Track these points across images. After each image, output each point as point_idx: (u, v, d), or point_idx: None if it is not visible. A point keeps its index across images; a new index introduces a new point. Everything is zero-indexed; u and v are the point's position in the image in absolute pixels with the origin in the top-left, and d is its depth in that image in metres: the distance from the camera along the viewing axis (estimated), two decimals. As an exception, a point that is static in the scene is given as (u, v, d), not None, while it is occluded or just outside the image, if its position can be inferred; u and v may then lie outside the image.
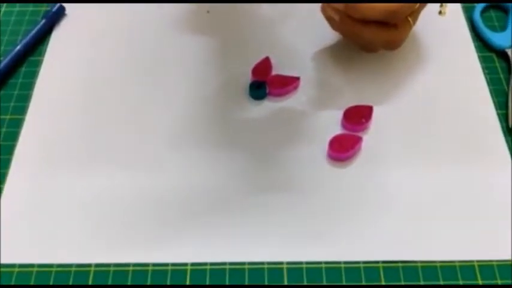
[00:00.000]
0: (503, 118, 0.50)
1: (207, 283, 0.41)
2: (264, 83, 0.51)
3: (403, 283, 0.41)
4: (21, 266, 0.42)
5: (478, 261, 0.42)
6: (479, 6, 0.59)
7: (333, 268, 0.42)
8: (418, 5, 0.48)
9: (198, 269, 0.42)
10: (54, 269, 0.42)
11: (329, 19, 0.50)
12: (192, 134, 0.49)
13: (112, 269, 0.42)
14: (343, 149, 0.47)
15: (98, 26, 0.58)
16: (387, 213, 0.45)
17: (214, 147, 0.49)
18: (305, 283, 0.41)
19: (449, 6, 0.59)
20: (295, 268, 0.42)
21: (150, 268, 0.42)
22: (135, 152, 0.48)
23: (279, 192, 0.46)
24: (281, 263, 0.42)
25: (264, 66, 0.53)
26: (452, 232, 0.44)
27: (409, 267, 0.42)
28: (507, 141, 0.49)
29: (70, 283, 0.41)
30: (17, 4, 0.60)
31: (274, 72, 0.53)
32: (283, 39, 0.56)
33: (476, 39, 0.57)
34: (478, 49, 0.56)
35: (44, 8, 0.59)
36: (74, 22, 0.58)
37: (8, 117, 0.51)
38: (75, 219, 0.44)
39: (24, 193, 0.46)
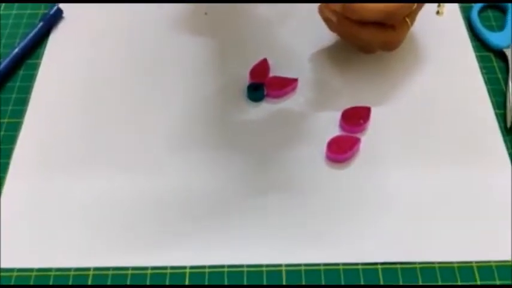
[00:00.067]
0: (501, 118, 0.51)
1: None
2: (262, 85, 0.51)
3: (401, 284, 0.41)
4: (19, 270, 0.42)
5: (476, 262, 0.42)
6: (477, 6, 0.59)
7: (332, 270, 0.42)
8: (415, 5, 0.48)
9: (197, 272, 0.42)
10: (53, 273, 0.42)
11: (326, 20, 0.50)
12: (190, 136, 0.49)
13: (111, 272, 0.42)
14: (341, 150, 0.47)
15: (96, 28, 0.58)
16: (386, 215, 0.45)
17: (213, 149, 0.49)
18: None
19: (447, 6, 0.59)
20: (293, 270, 0.42)
21: (149, 271, 0.42)
22: (133, 154, 0.48)
23: (277, 194, 0.46)
24: (280, 265, 0.42)
25: (261, 68, 0.53)
26: (451, 233, 0.44)
27: (407, 269, 0.42)
28: (505, 141, 0.49)
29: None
30: (15, 7, 0.60)
31: (272, 74, 0.53)
32: (281, 41, 0.56)
33: (474, 39, 0.57)
34: (476, 49, 0.56)
35: (41, 10, 0.59)
36: (71, 24, 0.58)
37: (6, 120, 0.51)
38: (73, 223, 0.44)
39: (23, 197, 0.46)
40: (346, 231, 0.44)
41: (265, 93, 0.51)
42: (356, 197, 0.46)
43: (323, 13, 0.50)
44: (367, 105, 0.50)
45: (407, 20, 0.49)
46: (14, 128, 0.50)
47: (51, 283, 0.41)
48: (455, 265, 0.42)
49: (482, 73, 0.54)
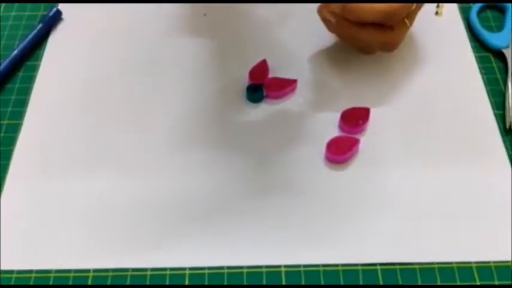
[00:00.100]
0: (500, 118, 0.51)
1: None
2: (261, 86, 0.51)
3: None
4: (19, 272, 0.42)
5: (475, 262, 0.42)
6: (476, 7, 0.59)
7: (331, 271, 0.42)
8: (414, 6, 0.48)
9: (196, 273, 0.42)
10: (52, 275, 0.42)
11: (325, 21, 0.50)
12: (190, 137, 0.49)
13: (110, 274, 0.42)
14: (340, 151, 0.47)
15: (95, 30, 0.58)
16: (385, 215, 0.45)
17: (212, 150, 0.49)
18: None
19: (446, 7, 0.59)
20: (293, 271, 0.42)
21: (148, 273, 0.42)
22: (133, 156, 0.48)
23: (277, 195, 0.46)
24: (279, 266, 0.42)
25: (260, 69, 0.53)
26: (450, 233, 0.44)
27: (407, 269, 0.42)
28: (504, 142, 0.49)
29: None
30: (14, 8, 0.60)
31: (271, 75, 0.53)
32: (280, 42, 0.56)
33: (473, 40, 0.57)
34: (475, 49, 0.56)
35: (40, 12, 0.59)
36: (70, 26, 0.58)
37: (5, 122, 0.51)
38: (73, 224, 0.44)
39: (23, 198, 0.46)
40: (346, 232, 0.44)
41: (264, 94, 0.52)
42: (355, 197, 0.46)
43: (322, 14, 0.50)
44: (366, 106, 0.50)
45: (406, 20, 0.49)
46: (14, 130, 0.50)
47: (50, 284, 0.41)
48: (455, 265, 0.42)
49: (482, 74, 0.54)
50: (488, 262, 0.42)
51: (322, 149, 0.48)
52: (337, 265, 0.42)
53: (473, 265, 0.42)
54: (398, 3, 0.46)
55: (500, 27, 0.57)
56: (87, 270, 0.42)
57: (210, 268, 0.42)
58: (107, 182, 0.47)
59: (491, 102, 0.52)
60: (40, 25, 0.57)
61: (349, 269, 0.42)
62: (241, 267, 0.42)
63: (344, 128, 0.49)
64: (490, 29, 0.57)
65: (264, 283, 0.41)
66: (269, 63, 0.53)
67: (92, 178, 0.47)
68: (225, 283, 0.41)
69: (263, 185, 0.46)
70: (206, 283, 0.41)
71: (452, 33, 0.57)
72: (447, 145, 0.49)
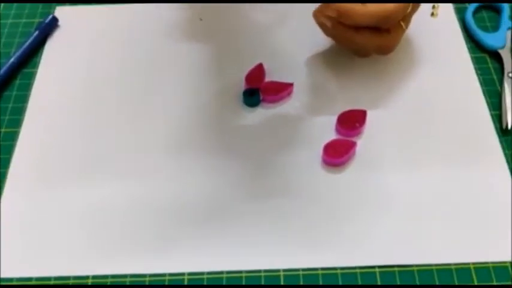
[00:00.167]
0: (496, 119, 0.51)
1: (205, 292, 0.42)
2: (258, 90, 0.51)
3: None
4: (19, 279, 0.42)
5: (473, 263, 0.42)
6: (471, 7, 0.59)
7: (330, 274, 0.42)
8: (410, 8, 0.48)
9: (195, 278, 0.42)
10: (52, 282, 0.42)
11: (321, 25, 0.50)
12: (187, 142, 0.49)
13: (109, 280, 0.42)
14: (337, 154, 0.47)
15: (91, 37, 0.58)
16: (382, 217, 0.45)
17: (209, 155, 0.49)
18: None
19: (441, 8, 0.59)
20: (292, 275, 0.42)
21: (147, 279, 0.42)
22: (130, 162, 0.48)
23: (274, 199, 0.46)
24: (278, 270, 0.42)
25: (257, 73, 0.53)
26: (447, 235, 0.44)
27: (405, 271, 0.42)
28: (501, 142, 0.49)
29: (68, 295, 0.42)
30: (10, 16, 0.60)
31: (267, 79, 0.53)
32: (276, 46, 0.56)
33: (469, 40, 0.57)
34: (471, 50, 0.56)
35: (36, 19, 0.59)
36: (66, 33, 0.58)
37: (3, 130, 0.51)
38: (72, 231, 0.45)
39: (21, 206, 0.46)
40: (343, 235, 0.44)
41: (261, 98, 0.52)
42: (353, 200, 0.46)
43: (317, 18, 0.50)
44: (363, 108, 0.50)
45: (402, 23, 0.49)
46: (11, 138, 0.50)
47: (50, 292, 0.42)
48: (453, 266, 0.42)
49: (478, 74, 0.54)
50: (486, 263, 0.42)
51: (319, 152, 0.48)
52: (335, 268, 0.42)
53: (471, 266, 0.42)
54: (393, 7, 0.46)
55: (495, 28, 0.57)
56: (86, 277, 0.42)
57: (209, 273, 0.42)
58: (104, 189, 0.47)
59: (487, 102, 0.52)
60: (36, 32, 0.57)
61: (348, 272, 0.42)
62: (240, 272, 0.42)
63: (341, 131, 0.49)
64: (485, 29, 0.57)
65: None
66: (265, 67, 0.54)
67: (89, 185, 0.47)
68: (224, 288, 0.42)
69: (261, 189, 0.46)
70: (205, 288, 0.42)
71: (448, 34, 0.57)
72: (444, 146, 0.49)
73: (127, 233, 0.44)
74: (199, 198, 0.46)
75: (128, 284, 0.42)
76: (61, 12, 0.60)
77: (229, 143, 0.49)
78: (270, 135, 0.50)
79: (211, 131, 0.50)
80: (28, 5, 0.61)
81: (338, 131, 0.50)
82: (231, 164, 0.48)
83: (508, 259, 0.43)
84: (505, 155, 0.48)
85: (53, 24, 0.58)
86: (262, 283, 0.42)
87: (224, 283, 0.42)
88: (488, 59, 0.55)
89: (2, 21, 0.60)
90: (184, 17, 0.60)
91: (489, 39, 0.56)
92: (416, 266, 0.42)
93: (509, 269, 0.42)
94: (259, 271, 0.42)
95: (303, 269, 0.42)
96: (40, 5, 0.61)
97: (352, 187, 0.46)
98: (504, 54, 0.55)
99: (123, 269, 0.43)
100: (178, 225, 0.45)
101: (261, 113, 0.51)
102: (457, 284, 0.41)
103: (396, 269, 0.42)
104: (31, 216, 0.45)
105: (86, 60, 0.56)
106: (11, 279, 0.42)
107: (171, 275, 0.42)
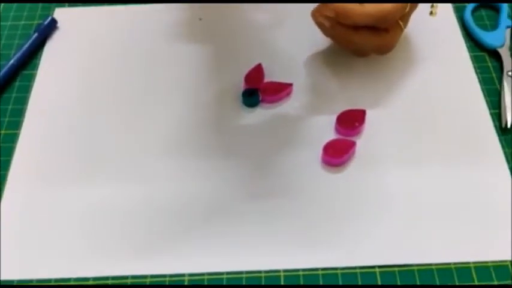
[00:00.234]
0: (496, 117, 0.51)
1: (205, 293, 0.42)
2: (257, 91, 0.52)
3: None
4: (19, 281, 0.42)
5: (474, 262, 0.42)
6: (470, 6, 0.59)
7: (330, 274, 0.42)
8: (408, 8, 0.48)
9: (196, 279, 0.42)
10: (52, 284, 0.42)
11: (320, 25, 0.50)
12: (187, 143, 0.50)
13: (110, 281, 0.42)
14: (337, 154, 0.47)
15: (90, 39, 0.58)
16: (382, 217, 0.45)
17: (209, 155, 0.49)
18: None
19: (440, 7, 0.59)
20: (292, 276, 0.42)
21: (148, 280, 0.42)
22: (130, 163, 0.48)
23: (274, 199, 0.46)
24: (278, 271, 0.42)
25: (256, 74, 0.53)
26: (447, 234, 0.44)
27: (405, 271, 0.42)
28: (500, 141, 0.49)
29: (69, 297, 0.42)
30: (9, 18, 0.60)
31: (266, 79, 0.53)
32: (275, 46, 0.56)
33: (468, 39, 0.57)
34: (470, 49, 0.56)
35: (36, 21, 0.59)
36: (66, 35, 0.58)
37: (2, 132, 0.51)
38: (72, 232, 0.45)
39: (21, 208, 0.46)
40: (343, 235, 0.44)
41: (260, 98, 0.52)
42: (353, 200, 0.46)
43: (316, 18, 0.50)
44: (362, 108, 0.50)
45: (401, 23, 0.49)
46: (11, 140, 0.50)
47: (51, 294, 0.42)
48: (453, 266, 0.42)
49: (477, 73, 0.54)
50: (487, 262, 0.42)
51: (319, 152, 0.48)
52: (336, 268, 0.42)
53: (472, 265, 0.42)
54: (391, 7, 0.46)
55: (494, 26, 0.57)
56: (87, 279, 0.42)
57: (209, 274, 0.42)
58: (104, 190, 0.47)
59: (487, 101, 0.52)
60: (36, 34, 0.57)
61: (348, 272, 0.42)
62: (241, 272, 0.42)
63: (340, 131, 0.49)
64: (484, 28, 0.57)
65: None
66: (264, 67, 0.54)
67: (89, 187, 0.47)
68: (225, 289, 0.42)
69: (260, 189, 0.47)
70: (205, 289, 0.42)
71: (447, 33, 0.57)
72: (443, 145, 0.49)
73: (127, 234, 0.44)
74: (199, 199, 0.46)
75: (128, 284, 0.42)
76: (60, 13, 0.60)
77: (228, 144, 0.49)
78: (270, 135, 0.50)
79: (211, 131, 0.50)
80: (27, 7, 0.61)
81: (337, 130, 0.50)
82: (230, 164, 0.48)
83: (508, 258, 0.43)
84: (505, 153, 0.48)
85: (52, 25, 0.58)
86: (263, 283, 0.42)
87: (224, 283, 0.42)
88: (488, 58, 0.55)
89: (1, 23, 0.60)
90: (183, 17, 0.60)
91: (488, 38, 0.56)
92: (417, 265, 0.42)
93: (510, 268, 0.42)
94: (260, 271, 0.42)
95: (303, 269, 0.42)
96: (39, 7, 0.61)
97: (351, 187, 0.46)
98: (503, 52, 0.55)
99: (123, 270, 0.43)
100: (179, 226, 0.45)
101: (261, 113, 0.51)
102: (457, 283, 0.41)
103: (396, 269, 0.42)
104: (31, 218, 0.45)
105: (86, 62, 0.56)
106: (11, 282, 0.42)
107: (171, 275, 0.42)
